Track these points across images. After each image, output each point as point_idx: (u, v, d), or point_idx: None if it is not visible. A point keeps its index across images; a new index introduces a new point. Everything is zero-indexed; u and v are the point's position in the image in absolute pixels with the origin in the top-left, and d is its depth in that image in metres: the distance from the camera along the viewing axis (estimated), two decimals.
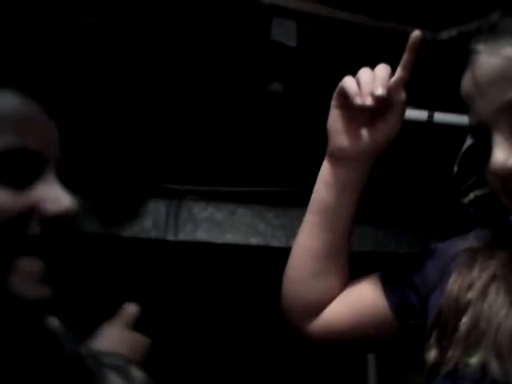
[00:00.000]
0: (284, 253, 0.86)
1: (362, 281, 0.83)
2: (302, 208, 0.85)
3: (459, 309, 0.68)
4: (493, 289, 0.67)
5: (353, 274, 0.85)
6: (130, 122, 1.62)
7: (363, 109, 0.72)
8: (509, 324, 0.64)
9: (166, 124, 1.64)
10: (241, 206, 1.82)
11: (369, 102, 0.70)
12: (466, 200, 0.95)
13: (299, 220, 0.85)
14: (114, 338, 0.83)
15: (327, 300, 0.82)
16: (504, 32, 0.63)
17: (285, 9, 1.30)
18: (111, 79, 1.47)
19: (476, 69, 0.65)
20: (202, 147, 1.72)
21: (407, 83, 0.75)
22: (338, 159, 0.79)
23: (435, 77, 1.41)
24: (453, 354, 0.66)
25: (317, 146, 0.85)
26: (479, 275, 0.69)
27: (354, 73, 0.75)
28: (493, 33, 0.64)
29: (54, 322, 0.67)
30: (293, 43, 1.50)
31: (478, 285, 0.68)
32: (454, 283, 0.71)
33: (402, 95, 0.75)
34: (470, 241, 0.76)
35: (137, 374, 0.72)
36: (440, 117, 1.44)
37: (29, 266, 0.54)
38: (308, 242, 0.82)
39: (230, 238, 1.81)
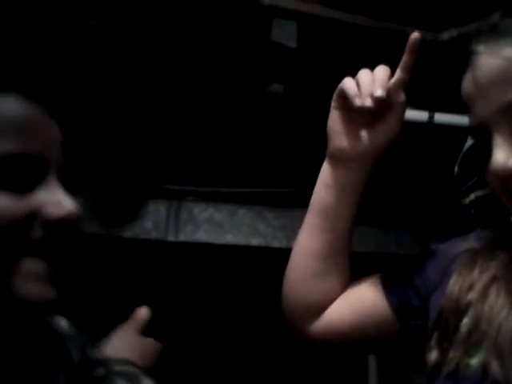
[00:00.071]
0: (285, 253, 0.86)
1: (363, 282, 0.83)
2: (303, 209, 0.85)
3: (460, 310, 0.68)
4: (493, 290, 0.67)
5: (353, 275, 0.85)
6: (131, 123, 1.62)
7: (363, 110, 0.73)
8: (509, 325, 0.63)
9: (166, 125, 1.64)
10: (241, 207, 1.82)
11: (368, 103, 0.70)
12: (467, 201, 0.95)
13: (300, 221, 0.85)
14: (125, 343, 0.83)
15: (328, 301, 0.82)
16: (504, 33, 0.63)
17: (285, 10, 1.30)
18: (112, 81, 1.47)
19: (476, 70, 0.65)
20: (202, 148, 1.72)
21: (407, 84, 0.75)
22: (338, 160, 0.79)
23: (436, 77, 1.41)
24: (454, 354, 0.66)
25: (317, 147, 0.85)
26: (480, 276, 0.69)
27: (354, 74, 0.75)
28: (493, 34, 0.64)
29: (63, 324, 0.67)
30: (293, 44, 1.50)
31: (479, 286, 0.68)
32: (454, 284, 0.71)
33: (402, 96, 0.75)
34: (470, 242, 0.76)
35: (146, 382, 0.72)
36: (440, 117, 1.44)
37: (32, 267, 0.54)
38: (308, 243, 0.82)
39: (230, 238, 1.80)
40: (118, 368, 0.71)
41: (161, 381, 0.78)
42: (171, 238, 1.76)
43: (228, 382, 1.99)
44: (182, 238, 1.78)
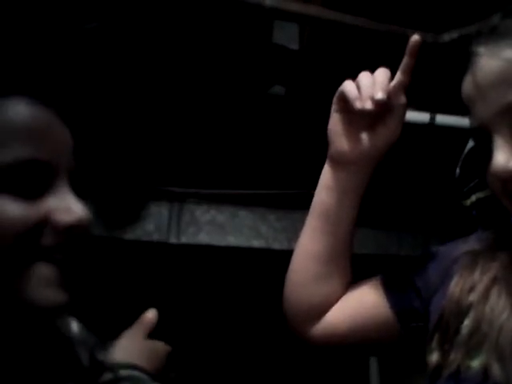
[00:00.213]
0: (286, 255, 0.86)
1: (364, 284, 0.83)
2: (304, 211, 0.85)
3: (461, 311, 0.68)
4: (494, 291, 0.67)
5: (355, 277, 0.85)
6: (132, 125, 1.62)
7: (363, 113, 0.72)
8: (510, 326, 0.63)
9: (168, 127, 1.64)
10: (243, 209, 1.82)
11: (369, 106, 0.70)
12: (468, 202, 0.95)
13: (301, 223, 0.85)
14: (133, 347, 0.83)
15: (329, 304, 0.82)
16: (504, 34, 0.63)
17: (287, 12, 1.30)
18: (113, 83, 1.47)
19: (476, 71, 0.65)
20: (203, 150, 1.73)
21: (407, 87, 0.75)
22: (339, 163, 0.79)
23: (437, 79, 1.41)
24: (455, 356, 0.66)
25: (319, 149, 0.85)
26: (481, 278, 0.69)
27: (356, 76, 0.75)
28: (493, 35, 0.64)
29: (73, 326, 0.67)
30: (295, 46, 1.51)
31: (480, 287, 0.68)
32: (455, 286, 0.71)
33: (402, 99, 0.75)
34: (471, 243, 0.76)
35: None
36: (442, 119, 1.44)
37: (43, 272, 0.54)
38: (309, 245, 0.82)
39: (232, 240, 1.81)
40: (124, 373, 0.71)
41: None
42: (173, 240, 1.77)
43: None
44: (184, 240, 1.78)
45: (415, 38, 0.73)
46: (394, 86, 0.73)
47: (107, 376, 0.67)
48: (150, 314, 0.88)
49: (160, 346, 0.87)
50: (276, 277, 0.90)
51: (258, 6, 1.27)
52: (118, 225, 1.73)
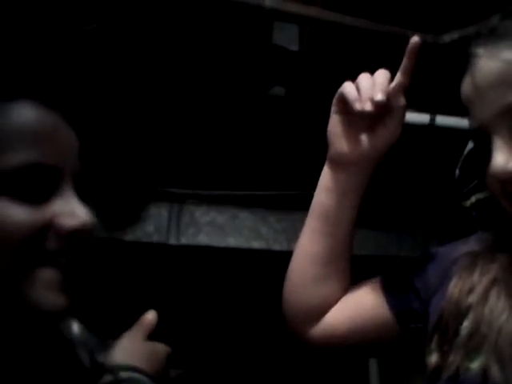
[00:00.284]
0: (286, 257, 0.86)
1: (363, 285, 0.83)
2: (305, 212, 0.85)
3: (460, 313, 0.68)
4: (493, 293, 0.67)
5: (354, 278, 0.84)
6: (132, 126, 1.62)
7: (363, 114, 0.72)
8: (510, 328, 0.63)
9: (167, 128, 1.65)
10: (243, 210, 1.82)
11: (368, 107, 0.70)
12: (468, 203, 0.95)
13: (301, 224, 0.85)
14: (133, 349, 0.82)
15: (328, 305, 0.82)
16: (503, 36, 0.63)
17: (287, 13, 1.30)
18: (113, 84, 1.47)
19: (476, 72, 0.65)
20: (203, 151, 1.73)
21: (407, 88, 0.75)
22: (338, 164, 0.79)
23: (437, 80, 1.41)
24: (454, 358, 0.66)
25: (319, 150, 0.85)
26: (480, 279, 0.69)
27: (356, 77, 0.75)
28: (492, 36, 0.64)
29: (74, 328, 0.67)
30: (294, 47, 1.51)
31: (479, 289, 0.68)
32: (454, 287, 0.71)
33: (402, 100, 0.75)
34: (470, 244, 0.76)
35: None
36: (442, 120, 1.44)
37: (47, 276, 0.54)
38: (309, 247, 0.82)
39: (231, 241, 1.81)
40: (125, 375, 0.71)
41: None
42: (173, 241, 1.77)
43: None
44: (184, 241, 1.78)
45: (415, 39, 0.73)
46: (394, 88, 0.73)
47: (107, 378, 0.67)
48: (150, 316, 0.88)
49: (160, 348, 0.87)
50: (276, 278, 0.90)
51: (258, 7, 1.27)
52: (118, 226, 1.73)
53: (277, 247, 1.82)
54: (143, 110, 1.59)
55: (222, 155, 1.74)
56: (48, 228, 0.54)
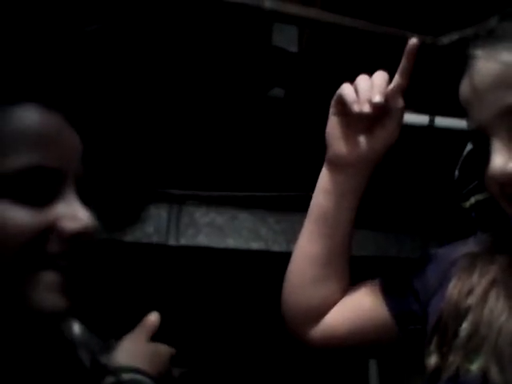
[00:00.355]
0: (285, 258, 0.86)
1: (362, 287, 0.83)
2: (304, 213, 0.85)
3: (459, 314, 0.68)
4: (493, 294, 0.67)
5: (354, 279, 0.84)
6: (132, 127, 1.62)
7: (361, 116, 0.72)
8: (509, 329, 0.63)
9: (167, 129, 1.65)
10: (242, 211, 1.82)
11: (367, 109, 0.70)
12: (468, 204, 0.95)
13: (300, 225, 0.85)
14: (136, 350, 0.82)
15: (327, 306, 0.82)
16: (502, 37, 0.63)
17: (286, 14, 1.30)
18: (113, 85, 1.47)
19: (474, 74, 0.65)
20: (203, 152, 1.73)
21: (405, 90, 0.75)
22: (337, 166, 0.79)
23: (436, 81, 1.41)
24: (453, 359, 0.66)
25: (318, 151, 0.85)
26: (479, 280, 0.69)
27: (355, 78, 0.75)
28: (490, 38, 0.64)
29: (75, 329, 0.67)
30: (294, 49, 1.51)
31: (478, 290, 0.68)
32: (453, 288, 0.71)
33: (400, 102, 0.75)
34: (470, 246, 0.76)
35: None
36: (441, 121, 1.44)
37: (49, 279, 0.54)
38: (308, 248, 0.82)
39: (231, 242, 1.81)
40: (127, 376, 0.71)
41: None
42: (172, 242, 1.76)
43: None
44: (183, 242, 1.78)
45: (413, 41, 0.73)
46: (392, 89, 0.73)
47: (109, 379, 0.67)
48: (153, 317, 0.88)
49: (163, 349, 0.86)
50: (275, 279, 0.90)
51: (258, 9, 1.27)
52: (118, 227, 1.73)
53: (276, 248, 1.82)
54: (143, 111, 1.59)
55: (222, 156, 1.74)
56: (50, 231, 0.54)
